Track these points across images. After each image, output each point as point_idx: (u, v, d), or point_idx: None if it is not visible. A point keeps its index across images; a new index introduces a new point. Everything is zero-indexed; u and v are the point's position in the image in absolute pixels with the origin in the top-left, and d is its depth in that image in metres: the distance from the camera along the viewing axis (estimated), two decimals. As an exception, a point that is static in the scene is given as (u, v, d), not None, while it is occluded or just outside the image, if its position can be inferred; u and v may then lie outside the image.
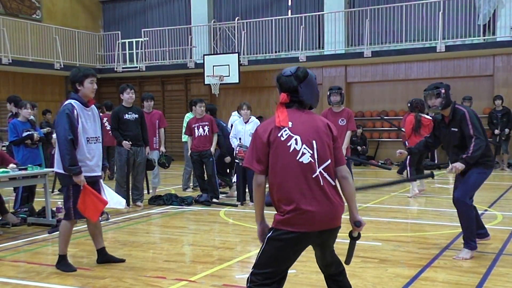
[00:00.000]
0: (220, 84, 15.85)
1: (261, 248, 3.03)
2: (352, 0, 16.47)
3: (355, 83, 16.50)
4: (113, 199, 7.55)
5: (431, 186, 10.13)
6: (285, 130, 2.94)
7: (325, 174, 2.93)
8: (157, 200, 8.76)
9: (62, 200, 5.12)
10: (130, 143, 8.16)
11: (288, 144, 2.92)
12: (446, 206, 8.11)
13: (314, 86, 3.11)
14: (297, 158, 2.90)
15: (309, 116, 3.04)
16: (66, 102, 4.92)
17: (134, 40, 18.13)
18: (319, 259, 3.19)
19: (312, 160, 2.91)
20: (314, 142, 2.94)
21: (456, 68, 15.10)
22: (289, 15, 17.18)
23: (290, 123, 2.96)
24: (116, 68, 18.30)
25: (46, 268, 4.99)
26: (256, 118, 9.24)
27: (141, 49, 18.02)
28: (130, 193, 8.52)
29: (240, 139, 8.60)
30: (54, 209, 7.38)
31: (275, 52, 16.87)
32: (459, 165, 5.02)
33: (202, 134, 8.84)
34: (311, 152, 2.92)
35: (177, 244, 5.99)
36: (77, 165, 4.72)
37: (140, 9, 19.95)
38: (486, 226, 6.57)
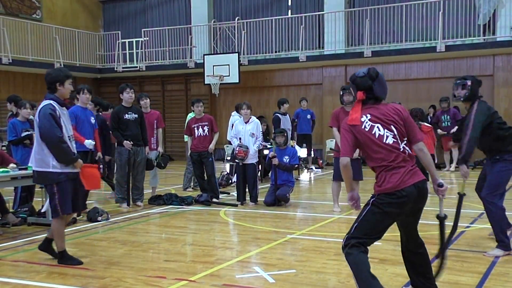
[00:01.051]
0: (220, 84, 15.84)
1: (361, 213, 3.57)
2: (352, 0, 16.47)
3: (355, 83, 16.48)
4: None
5: (431, 185, 10.11)
6: (367, 122, 3.57)
7: (407, 148, 3.59)
8: (157, 200, 8.76)
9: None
10: (131, 142, 8.17)
11: (373, 132, 3.55)
12: (445, 206, 8.09)
13: (384, 83, 3.73)
14: (384, 140, 3.54)
15: (384, 107, 3.64)
16: (45, 102, 4.99)
17: (134, 40, 18.13)
18: (408, 229, 3.82)
19: (395, 140, 3.55)
20: (392, 126, 3.56)
21: (456, 68, 15.09)
22: (289, 15, 17.18)
23: (368, 115, 3.58)
24: (116, 68, 18.30)
25: (46, 268, 5.00)
26: (257, 118, 9.25)
27: (141, 49, 18.02)
28: (130, 193, 8.53)
29: (240, 139, 8.60)
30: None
31: (275, 52, 16.87)
32: (463, 169, 5.13)
33: (202, 134, 8.84)
34: (393, 134, 3.55)
35: (177, 243, 5.99)
36: (75, 154, 5.02)
37: (140, 9, 19.95)
38: (485, 226, 6.57)
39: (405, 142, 3.60)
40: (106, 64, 19.20)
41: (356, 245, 3.52)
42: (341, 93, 7.94)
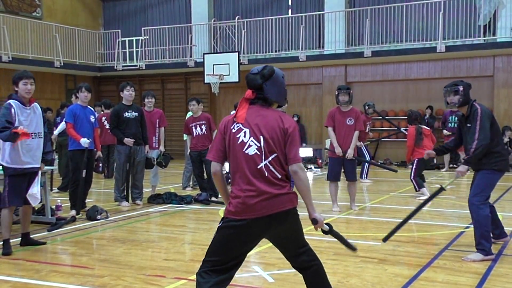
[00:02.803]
0: (220, 83, 15.84)
1: (213, 237, 3.18)
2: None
3: (355, 83, 16.49)
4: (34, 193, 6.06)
5: (430, 186, 10.13)
6: (237, 123, 3.12)
7: (271, 167, 3.05)
8: (156, 199, 8.75)
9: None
10: (133, 140, 8.15)
11: (238, 136, 3.09)
12: (445, 206, 8.12)
13: (281, 85, 3.24)
14: (244, 149, 3.06)
15: (266, 113, 3.14)
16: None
17: (134, 38, 18.12)
18: (281, 250, 3.32)
19: (258, 153, 3.04)
20: (261, 136, 3.06)
21: (456, 68, 15.10)
22: (289, 15, 17.18)
23: (245, 118, 3.12)
24: (116, 66, 18.29)
25: (45, 266, 4.99)
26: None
27: (141, 47, 18.01)
28: (130, 192, 8.52)
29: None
30: (53, 207, 7.37)
31: (275, 51, 16.87)
32: (462, 168, 5.09)
33: (200, 133, 8.84)
34: (258, 145, 3.05)
35: (177, 242, 5.98)
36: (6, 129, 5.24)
37: (141, 7, 19.94)
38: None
39: (272, 159, 3.03)
40: (106, 63, 19.19)
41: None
42: (337, 93, 7.96)
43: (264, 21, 16.85)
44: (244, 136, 3.07)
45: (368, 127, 11.35)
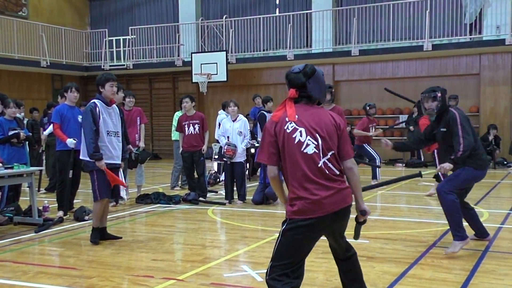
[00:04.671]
0: (208, 82, 15.81)
1: (277, 241, 3.14)
2: (340, -2, 16.53)
3: (342, 82, 16.56)
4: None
5: (418, 184, 10.20)
6: (291, 123, 3.11)
7: (329, 164, 3.09)
8: (144, 199, 8.71)
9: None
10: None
11: (294, 136, 3.09)
12: (433, 204, 8.18)
13: (321, 82, 3.28)
14: (302, 149, 3.07)
15: (316, 110, 3.21)
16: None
17: (121, 37, 18.02)
18: (334, 244, 3.38)
19: (316, 151, 3.07)
20: (317, 134, 3.09)
21: (443, 67, 15.22)
22: (277, 14, 17.19)
23: (296, 117, 3.13)
24: (103, 66, 18.17)
25: (32, 268, 4.94)
26: (245, 116, 9.23)
27: (129, 47, 17.92)
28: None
29: (228, 137, 8.58)
30: (40, 208, 7.30)
31: (263, 50, 16.87)
32: (447, 165, 5.10)
33: (193, 132, 8.80)
34: (316, 143, 3.08)
35: (165, 243, 5.96)
36: (99, 152, 5.69)
37: (128, 6, 19.83)
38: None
39: (330, 156, 3.09)
40: (93, 62, 19.06)
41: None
42: None
43: (252, 20, 16.85)
44: (301, 136, 3.09)
45: (372, 129, 11.06)
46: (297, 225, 3.05)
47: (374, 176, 10.62)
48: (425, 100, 5.23)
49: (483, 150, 5.36)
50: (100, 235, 5.93)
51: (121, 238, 6.08)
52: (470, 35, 14.50)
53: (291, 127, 3.10)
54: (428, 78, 15.33)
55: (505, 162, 13.83)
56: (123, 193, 7.62)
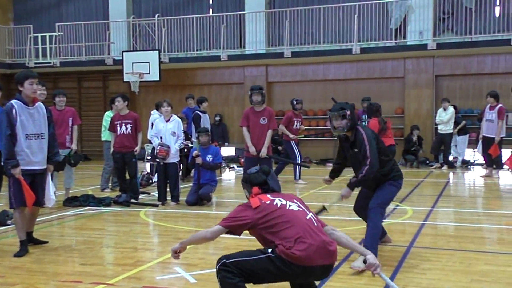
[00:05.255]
0: (141, 81, 15.48)
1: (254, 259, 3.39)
2: (272, 0, 16.73)
3: (275, 83, 16.79)
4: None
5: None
6: (267, 199, 3.50)
7: (314, 219, 3.51)
8: (72, 202, 8.41)
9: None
10: None
11: (275, 203, 3.48)
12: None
13: (277, 179, 3.79)
14: (287, 207, 3.46)
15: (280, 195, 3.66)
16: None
17: (47, 34, 17.28)
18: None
19: (301, 208, 3.51)
20: (294, 199, 3.60)
21: (371, 69, 15.79)
22: (211, 14, 17.15)
23: (269, 195, 3.56)
24: (28, 63, 17.35)
25: None
26: (178, 116, 9.12)
27: (55, 44, 17.22)
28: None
29: (161, 138, 8.46)
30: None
31: (197, 50, 16.77)
32: (346, 192, 5.00)
33: (125, 132, 8.59)
34: (297, 204, 3.54)
35: (95, 246, 5.78)
36: (14, 159, 5.23)
37: (54, 2, 19.07)
38: (397, 220, 6.94)
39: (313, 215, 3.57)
40: (17, 59, 18.17)
41: None
42: (250, 93, 8.07)
43: (185, 20, 16.71)
44: (281, 201, 3.52)
45: (297, 124, 11.25)
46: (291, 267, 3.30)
47: (296, 176, 10.94)
48: (334, 118, 4.95)
49: (396, 163, 5.20)
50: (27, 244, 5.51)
51: (47, 242, 5.80)
52: (396, 39, 15.16)
53: (269, 200, 3.50)
54: (357, 81, 15.87)
55: (428, 162, 14.54)
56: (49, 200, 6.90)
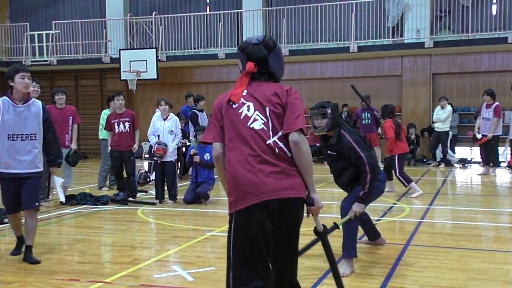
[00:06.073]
0: (138, 80, 15.48)
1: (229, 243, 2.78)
2: (269, -2, 16.74)
3: (273, 81, 16.77)
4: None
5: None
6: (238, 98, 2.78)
7: (280, 144, 2.70)
8: (70, 200, 8.40)
9: None
10: None
11: (240, 111, 2.74)
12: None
13: (282, 57, 2.92)
14: (248, 124, 2.71)
15: (269, 84, 2.83)
16: None
17: (44, 32, 17.23)
18: (276, 264, 2.80)
19: (265, 128, 2.71)
20: (267, 108, 2.73)
21: (368, 68, 15.80)
22: (208, 12, 17.14)
23: (245, 91, 2.77)
24: (25, 61, 17.28)
25: None
26: (176, 115, 9.12)
27: (52, 42, 17.17)
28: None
29: (158, 136, 8.45)
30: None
31: (194, 48, 16.75)
32: (358, 207, 4.55)
33: (123, 130, 8.59)
34: (265, 120, 2.72)
35: (92, 244, 5.78)
36: None
37: (51, 0, 18.99)
38: (394, 218, 6.95)
39: (282, 136, 2.73)
40: (14, 58, 18.10)
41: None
42: None
43: (182, 18, 16.68)
44: (248, 110, 2.72)
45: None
46: (239, 218, 2.68)
47: None
48: (315, 117, 4.67)
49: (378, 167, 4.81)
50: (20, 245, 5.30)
51: (39, 262, 5.03)
52: (393, 37, 15.17)
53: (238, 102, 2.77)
54: (354, 79, 15.85)
55: (425, 160, 14.57)
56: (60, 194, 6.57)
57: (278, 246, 2.76)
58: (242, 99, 2.76)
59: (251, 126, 2.71)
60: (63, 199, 5.68)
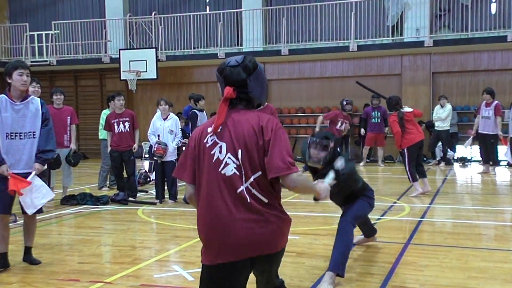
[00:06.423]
0: (138, 79, 15.48)
1: None
2: (269, -2, 16.74)
3: (273, 80, 16.76)
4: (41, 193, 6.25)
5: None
6: (212, 135, 2.54)
7: (253, 190, 2.45)
8: (70, 200, 8.40)
9: None
10: None
11: (212, 153, 2.51)
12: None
13: (264, 80, 2.65)
14: (220, 169, 2.48)
15: (245, 117, 2.53)
16: None
17: (43, 32, 17.23)
18: (260, 277, 2.73)
19: (237, 173, 2.46)
20: (240, 150, 2.46)
21: (368, 67, 15.80)
22: (207, 11, 17.13)
23: (220, 127, 2.53)
24: (24, 61, 17.29)
25: None
26: (176, 114, 9.12)
27: (52, 42, 17.17)
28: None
29: (158, 136, 8.45)
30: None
31: (194, 48, 16.75)
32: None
33: (123, 130, 8.59)
34: (237, 163, 2.46)
35: (92, 245, 5.78)
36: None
37: (50, 0, 18.99)
38: (395, 217, 6.96)
39: (254, 180, 2.46)
40: (13, 58, 18.08)
41: None
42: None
43: (182, 18, 16.68)
44: (220, 152, 2.48)
45: (341, 125, 11.18)
46: (208, 271, 2.58)
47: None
48: (314, 145, 4.34)
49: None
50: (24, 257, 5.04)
51: (40, 263, 4.99)
52: (393, 36, 15.16)
53: (211, 140, 2.53)
54: (354, 78, 15.81)
55: (425, 159, 14.55)
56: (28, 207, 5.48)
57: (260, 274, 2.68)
58: (215, 138, 2.52)
59: (222, 172, 2.48)
60: (30, 211, 4.82)
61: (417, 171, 8.60)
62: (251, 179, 2.45)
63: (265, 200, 2.48)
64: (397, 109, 8.56)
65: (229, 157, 2.47)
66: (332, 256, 4.28)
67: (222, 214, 2.46)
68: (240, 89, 2.55)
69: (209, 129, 2.56)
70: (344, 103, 11.22)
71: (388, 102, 8.80)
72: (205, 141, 2.55)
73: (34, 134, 4.81)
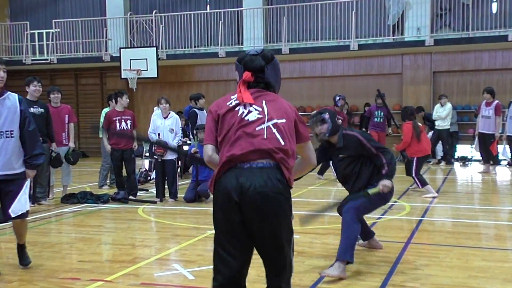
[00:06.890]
0: (138, 78, 15.48)
1: None
2: (270, -4, 16.73)
3: (273, 79, 16.77)
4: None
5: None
6: (235, 99, 2.72)
7: (274, 130, 2.64)
8: (70, 199, 8.40)
9: None
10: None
11: (236, 109, 2.70)
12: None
13: (279, 71, 2.92)
14: (243, 116, 2.66)
15: (273, 95, 2.81)
16: None
17: (44, 31, 17.22)
18: (264, 258, 2.94)
19: (260, 116, 2.66)
20: (264, 103, 2.71)
21: (368, 66, 15.80)
22: (208, 10, 17.13)
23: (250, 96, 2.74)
24: (25, 60, 17.31)
25: None
26: (176, 113, 9.12)
27: (52, 40, 17.17)
28: (33, 192, 8.06)
29: (159, 134, 8.45)
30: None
31: (194, 47, 16.74)
32: (387, 182, 4.52)
33: (125, 129, 8.59)
34: (260, 109, 2.68)
35: (93, 243, 5.78)
36: None
37: (51, -2, 19.01)
38: (395, 216, 6.95)
39: (278, 123, 2.69)
40: (14, 56, 18.11)
41: None
42: None
43: (183, 16, 16.67)
44: (244, 108, 2.68)
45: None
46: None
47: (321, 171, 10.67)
48: (314, 124, 4.71)
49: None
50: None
51: (29, 263, 4.78)
52: (393, 36, 15.15)
53: (235, 101, 2.72)
54: (355, 77, 15.87)
55: (425, 158, 14.55)
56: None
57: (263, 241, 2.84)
58: (243, 105, 2.72)
59: (245, 118, 2.68)
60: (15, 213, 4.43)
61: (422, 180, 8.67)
62: (274, 121, 2.66)
63: (282, 143, 2.65)
64: (411, 119, 8.67)
65: (254, 107, 2.69)
66: (340, 245, 4.47)
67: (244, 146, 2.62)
68: (258, 75, 2.79)
69: (232, 96, 2.76)
70: (337, 98, 11.17)
71: (403, 112, 8.95)
72: (228, 103, 2.74)
73: (12, 133, 4.44)
